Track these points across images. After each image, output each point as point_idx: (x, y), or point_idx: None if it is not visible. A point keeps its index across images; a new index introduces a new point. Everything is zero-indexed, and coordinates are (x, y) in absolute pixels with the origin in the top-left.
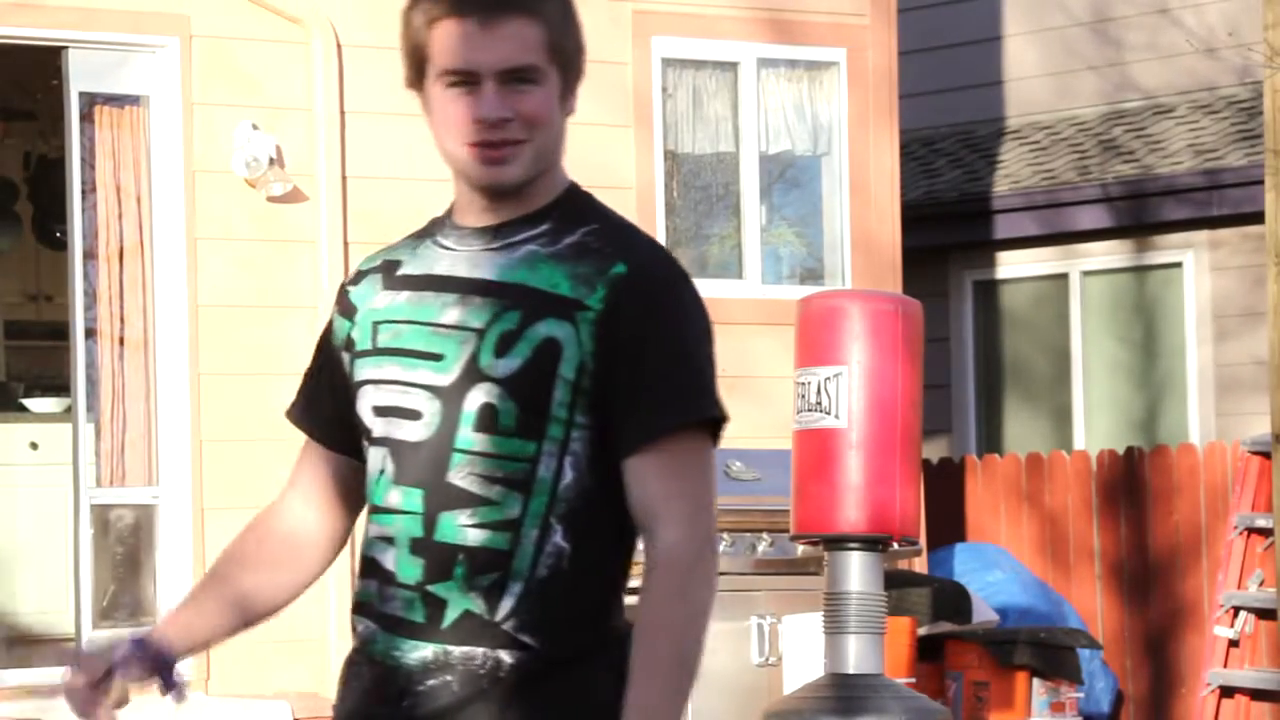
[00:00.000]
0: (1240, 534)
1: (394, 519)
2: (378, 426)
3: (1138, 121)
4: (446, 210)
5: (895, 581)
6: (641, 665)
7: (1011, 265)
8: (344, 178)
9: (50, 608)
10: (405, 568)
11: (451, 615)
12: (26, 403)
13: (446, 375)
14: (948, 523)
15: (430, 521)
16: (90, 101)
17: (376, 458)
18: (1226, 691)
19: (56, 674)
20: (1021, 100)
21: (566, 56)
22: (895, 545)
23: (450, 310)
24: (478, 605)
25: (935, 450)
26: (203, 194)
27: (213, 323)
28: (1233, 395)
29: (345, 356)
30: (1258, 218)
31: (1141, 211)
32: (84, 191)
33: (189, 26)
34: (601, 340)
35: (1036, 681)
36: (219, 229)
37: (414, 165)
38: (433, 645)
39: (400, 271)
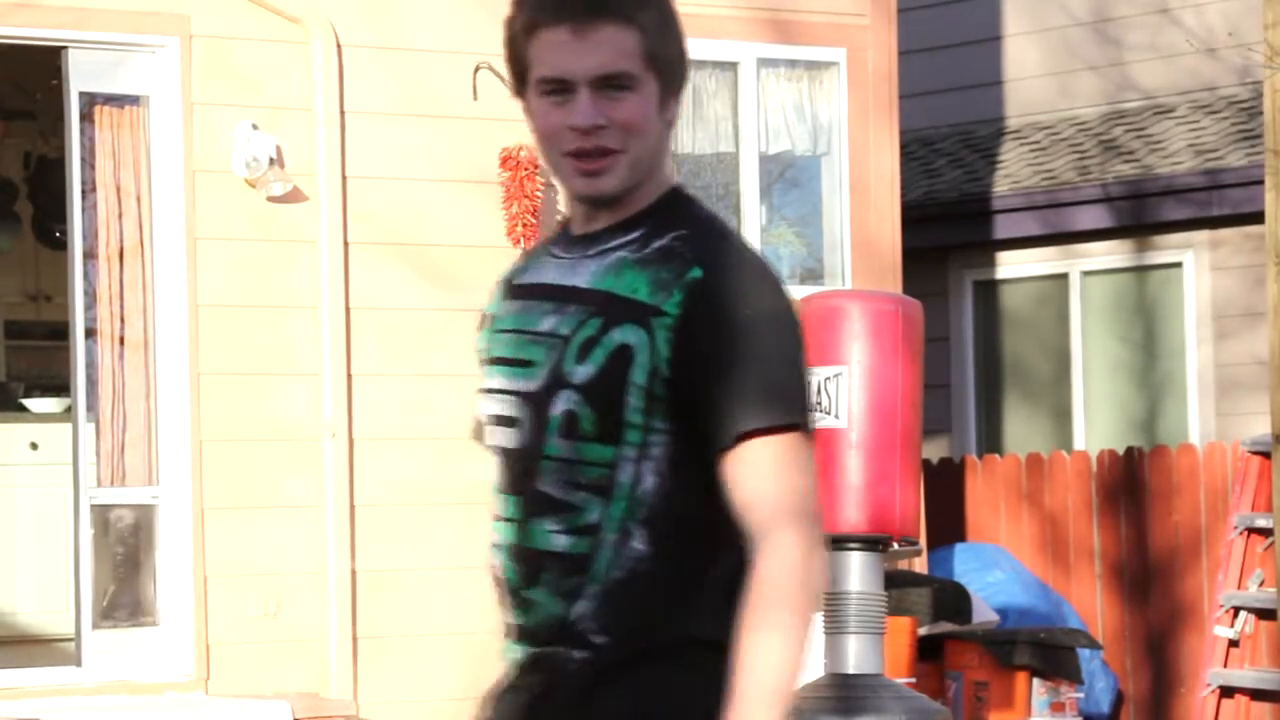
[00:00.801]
0: (1240, 534)
1: (502, 526)
2: (490, 435)
3: (1138, 121)
4: (565, 216)
5: (895, 581)
6: (738, 677)
7: (1011, 265)
8: (344, 178)
9: (50, 608)
10: (510, 573)
11: (540, 618)
12: (26, 403)
13: (536, 382)
14: (948, 523)
15: (525, 528)
16: (90, 101)
17: (494, 466)
18: (1226, 691)
19: (55, 674)
20: (1021, 100)
21: (665, 63)
22: (895, 545)
23: (547, 318)
24: (561, 608)
25: (935, 450)
26: (203, 194)
27: (213, 323)
28: (1233, 395)
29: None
30: (1258, 218)
31: (1141, 211)
32: (84, 191)
33: (189, 26)
34: (677, 346)
35: (1036, 681)
36: (219, 229)
37: (414, 165)
38: (526, 647)
39: (518, 280)
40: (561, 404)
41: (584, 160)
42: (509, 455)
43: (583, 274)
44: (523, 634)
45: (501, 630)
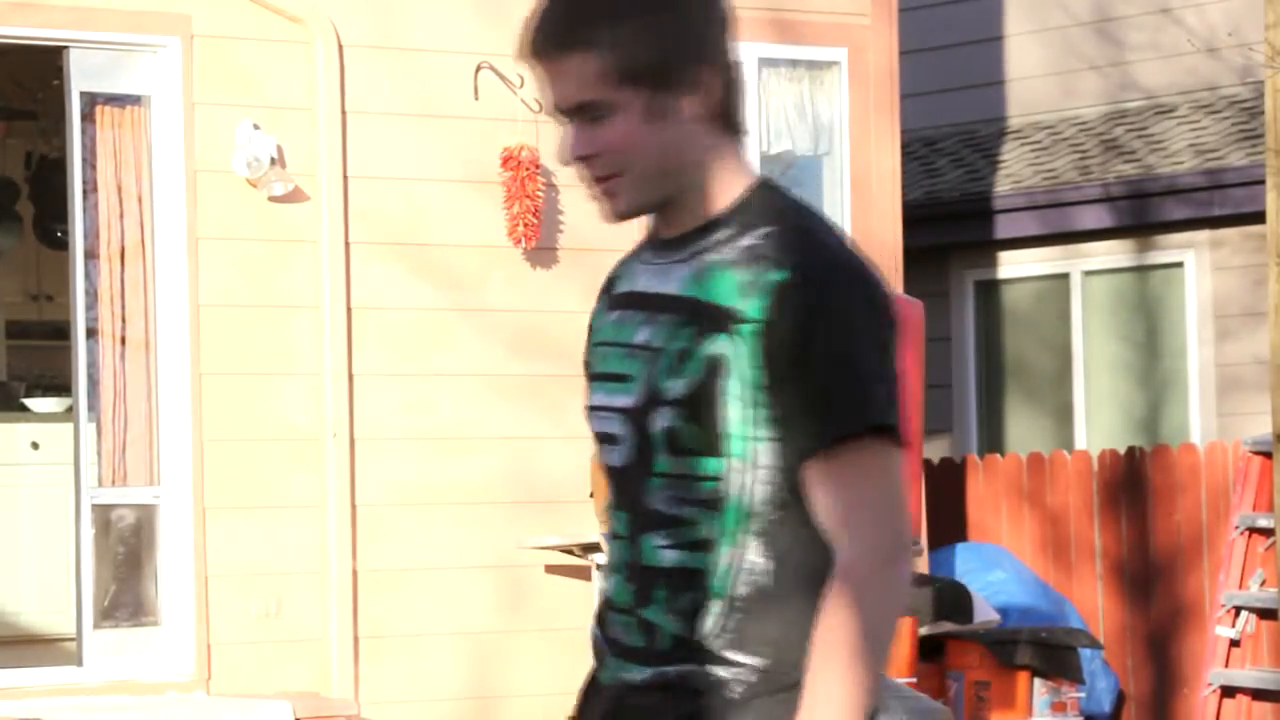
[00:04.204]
0: (1241, 534)
1: (613, 544)
2: (599, 453)
3: (1139, 121)
4: (653, 222)
5: None
6: (811, 684)
7: (1013, 265)
8: (345, 177)
9: (51, 607)
10: (620, 592)
11: (662, 638)
12: (28, 402)
13: (634, 398)
14: (949, 522)
15: (636, 545)
16: (91, 101)
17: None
18: (1228, 691)
19: (56, 674)
20: (1023, 100)
21: (646, 71)
22: None
23: (642, 329)
24: (682, 627)
25: (936, 450)
26: (204, 194)
27: (214, 323)
28: (1234, 395)
29: None
30: (1259, 217)
31: (1143, 211)
32: (85, 191)
33: (190, 26)
34: (763, 352)
35: (1038, 681)
36: (220, 229)
37: (415, 165)
38: (651, 668)
39: (615, 290)
40: (662, 420)
41: (595, 186)
42: (615, 473)
43: (674, 280)
44: (640, 655)
45: (600, 649)
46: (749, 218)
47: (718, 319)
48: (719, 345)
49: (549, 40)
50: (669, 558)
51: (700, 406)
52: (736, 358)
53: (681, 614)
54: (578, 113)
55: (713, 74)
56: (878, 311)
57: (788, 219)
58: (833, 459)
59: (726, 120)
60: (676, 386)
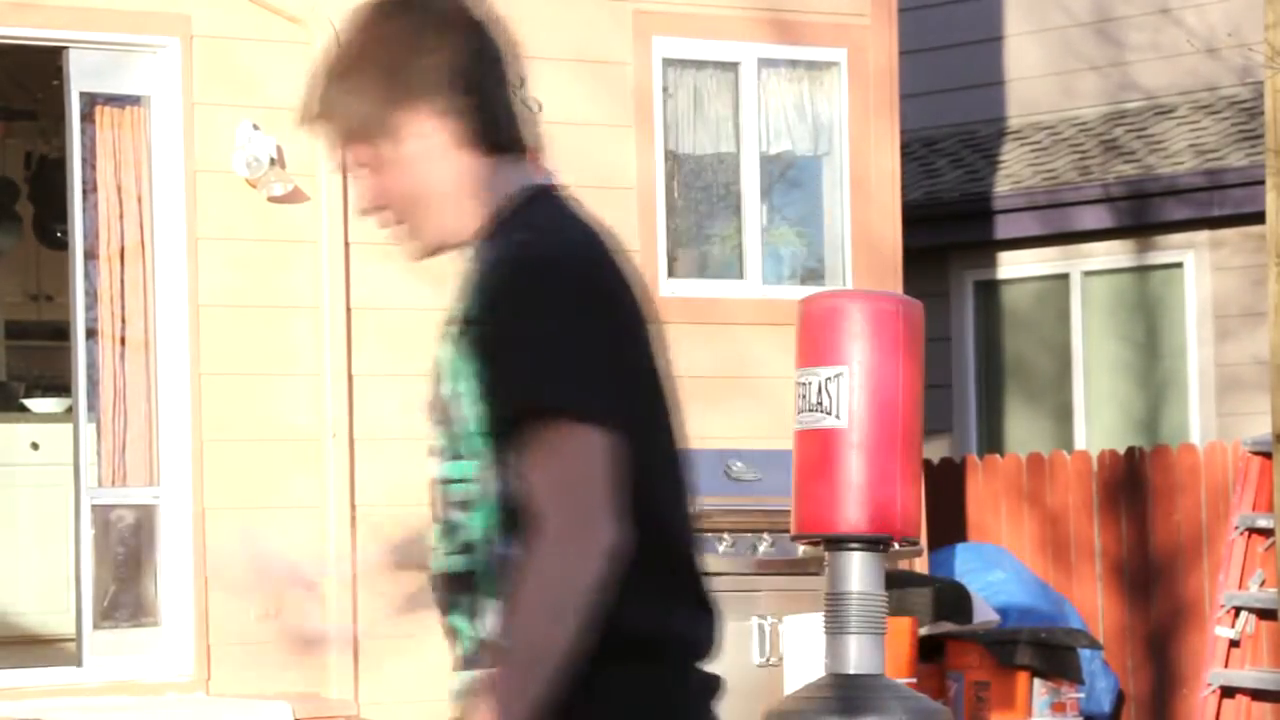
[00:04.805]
0: (1241, 534)
1: None
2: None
3: (1139, 121)
4: None
5: (896, 581)
6: (487, 683)
7: (1012, 265)
8: (345, 177)
9: (51, 608)
10: (438, 603)
11: (463, 644)
12: (27, 403)
13: (434, 412)
14: (949, 523)
15: (439, 553)
16: (91, 101)
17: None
18: (1227, 691)
19: (56, 674)
20: (1023, 100)
21: (356, 129)
22: (896, 545)
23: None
24: (472, 629)
25: (936, 450)
26: (204, 194)
27: (213, 323)
28: (1234, 395)
29: None
30: (1259, 218)
31: (1143, 211)
32: (85, 191)
33: (190, 26)
34: (473, 349)
35: (1037, 682)
36: (220, 229)
37: None
38: (462, 674)
39: None
40: (437, 429)
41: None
42: (431, 485)
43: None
44: (458, 663)
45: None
46: (501, 229)
47: (453, 324)
48: (447, 349)
49: (297, 116)
50: (453, 563)
51: (444, 411)
52: (458, 359)
53: (467, 616)
54: (351, 171)
55: (422, 113)
56: (568, 296)
57: (515, 226)
58: (521, 440)
59: (484, 142)
60: (435, 394)
